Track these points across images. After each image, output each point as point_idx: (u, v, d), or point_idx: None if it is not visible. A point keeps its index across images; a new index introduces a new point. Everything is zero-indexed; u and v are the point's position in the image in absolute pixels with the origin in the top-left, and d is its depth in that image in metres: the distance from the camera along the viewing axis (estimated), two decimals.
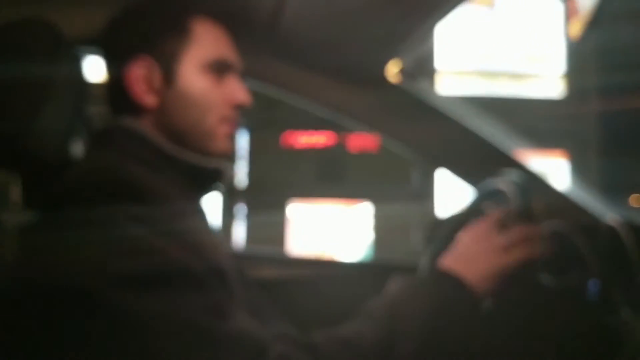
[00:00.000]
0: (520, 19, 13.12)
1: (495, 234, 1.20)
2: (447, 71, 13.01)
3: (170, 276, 0.98)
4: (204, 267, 1.01)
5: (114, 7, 1.23)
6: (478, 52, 13.08)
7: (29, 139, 1.12)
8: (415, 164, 12.37)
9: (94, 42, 1.25)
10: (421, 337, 1.08)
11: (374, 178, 12.36)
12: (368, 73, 1.64)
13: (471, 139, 1.69)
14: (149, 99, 1.19)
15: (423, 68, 12.05)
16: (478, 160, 1.69)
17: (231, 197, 12.40)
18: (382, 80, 1.65)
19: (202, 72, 1.21)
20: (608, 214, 1.57)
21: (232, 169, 1.28)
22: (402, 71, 1.64)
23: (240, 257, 1.70)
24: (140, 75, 1.18)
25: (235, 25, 1.27)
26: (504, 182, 1.30)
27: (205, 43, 1.22)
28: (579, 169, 12.15)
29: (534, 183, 1.68)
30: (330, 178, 13.12)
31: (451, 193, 12.23)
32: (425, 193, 12.79)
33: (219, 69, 1.22)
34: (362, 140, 13.00)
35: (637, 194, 10.53)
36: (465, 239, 1.23)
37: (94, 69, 1.26)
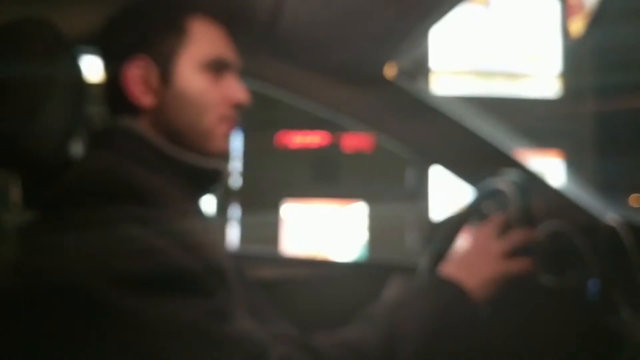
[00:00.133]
0: (516, 18, 13.12)
1: (496, 240, 1.21)
2: (442, 71, 13.01)
3: (169, 277, 0.98)
4: (204, 268, 1.01)
5: (113, 7, 1.23)
6: (473, 51, 13.08)
7: (28, 139, 1.11)
8: (409, 163, 12.40)
9: (93, 42, 1.25)
10: (421, 342, 1.09)
11: (368, 178, 12.37)
12: (367, 73, 1.64)
13: (471, 138, 1.69)
14: (146, 99, 1.19)
15: (419, 68, 12.05)
16: (478, 160, 1.69)
17: (225, 197, 12.39)
18: (382, 79, 1.65)
19: (200, 71, 1.20)
20: (608, 214, 1.57)
21: (229, 168, 1.28)
22: (401, 71, 1.64)
23: (237, 257, 1.70)
24: (138, 75, 1.18)
25: (234, 24, 1.27)
26: (504, 182, 1.30)
27: (203, 42, 1.21)
28: (577, 169, 12.17)
29: (534, 183, 1.68)
30: (325, 178, 13.12)
31: (445, 193, 12.26)
32: (420, 193, 12.80)
33: (216, 67, 1.22)
34: (356, 140, 13.01)
35: (637, 194, 10.55)
36: (465, 245, 1.24)
37: (94, 68, 1.26)
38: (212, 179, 1.24)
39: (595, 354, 1.37)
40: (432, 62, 12.84)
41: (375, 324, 1.10)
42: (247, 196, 12.62)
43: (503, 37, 13.10)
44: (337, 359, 1.04)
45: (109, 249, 0.97)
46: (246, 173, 12.99)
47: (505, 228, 1.22)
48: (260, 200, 12.21)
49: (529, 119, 11.14)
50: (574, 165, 12.39)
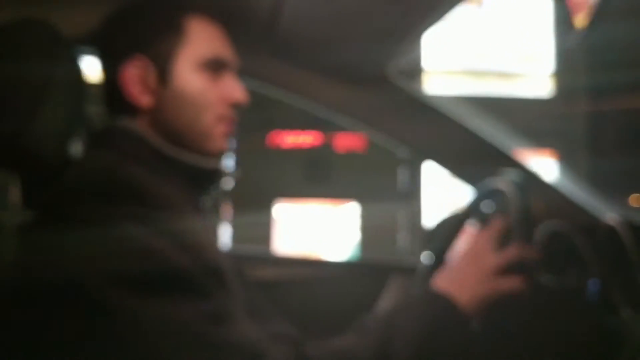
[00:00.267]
0: (509, 17, 13.13)
1: (491, 253, 1.20)
2: (435, 71, 13.01)
3: (167, 278, 0.98)
4: (202, 269, 1.01)
5: (112, 7, 1.23)
6: (466, 51, 13.09)
7: (27, 139, 1.11)
8: (402, 163, 12.40)
9: (92, 42, 1.24)
10: (413, 354, 1.09)
11: (360, 178, 12.36)
12: (367, 72, 1.64)
13: (471, 138, 1.69)
14: (144, 99, 1.18)
15: (414, 68, 12.05)
16: (478, 160, 1.69)
17: (217, 197, 12.37)
18: (382, 79, 1.65)
19: (198, 70, 1.20)
20: (607, 214, 1.57)
21: (229, 169, 1.28)
22: (401, 71, 1.64)
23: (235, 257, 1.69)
24: (136, 75, 1.18)
25: (232, 23, 1.27)
26: (504, 181, 1.30)
27: (201, 41, 1.21)
28: (570, 169, 12.20)
29: (534, 183, 1.68)
30: (317, 178, 13.10)
31: (438, 193, 12.27)
32: (412, 193, 12.81)
33: (214, 67, 1.22)
34: (349, 140, 13.00)
35: (637, 194, 10.58)
36: (461, 253, 1.24)
37: (93, 69, 1.25)
38: (211, 179, 1.24)
39: (595, 354, 1.38)
40: (424, 62, 12.84)
41: (367, 336, 1.11)
42: (239, 196, 12.60)
43: (496, 37, 13.11)
44: None
45: (107, 249, 0.97)
46: (238, 173, 12.95)
47: (504, 236, 1.21)
48: (253, 201, 12.19)
49: (522, 119, 11.16)
50: (567, 165, 12.41)
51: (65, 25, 1.20)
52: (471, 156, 1.71)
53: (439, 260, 1.45)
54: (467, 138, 1.69)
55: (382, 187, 12.13)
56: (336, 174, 13.07)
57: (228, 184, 1.24)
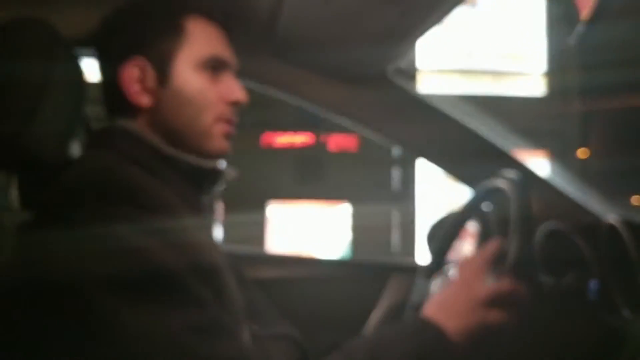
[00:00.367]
0: (503, 17, 13.16)
1: (481, 282, 1.16)
2: (429, 70, 13.03)
3: (162, 281, 0.97)
4: (199, 274, 1.01)
5: (112, 7, 1.22)
6: (460, 50, 13.11)
7: (26, 139, 1.11)
8: (395, 163, 12.42)
9: (91, 42, 1.24)
10: None
11: (353, 178, 12.37)
12: (367, 72, 1.64)
13: (471, 138, 1.69)
14: (143, 99, 1.18)
15: (410, 67, 12.06)
16: (477, 160, 1.69)
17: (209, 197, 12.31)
18: (382, 79, 1.65)
19: (197, 70, 1.20)
20: (608, 213, 1.57)
21: (231, 169, 1.27)
22: (401, 70, 1.64)
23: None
24: (134, 76, 1.18)
25: (231, 23, 1.27)
26: (503, 181, 1.30)
27: (199, 41, 1.21)
28: (563, 168, 12.23)
29: (534, 182, 1.68)
30: (310, 178, 13.10)
31: (432, 193, 12.29)
32: (405, 193, 12.82)
33: (213, 66, 1.21)
34: (341, 140, 13.01)
35: (637, 195, 10.61)
36: (451, 283, 1.22)
37: (92, 69, 1.25)
38: (211, 179, 1.24)
39: (595, 354, 1.38)
40: (418, 61, 12.85)
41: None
42: (231, 196, 12.58)
43: (490, 36, 13.14)
44: None
45: (105, 250, 0.96)
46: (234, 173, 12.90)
47: (497, 261, 1.17)
48: (245, 201, 12.18)
49: (515, 118, 11.17)
50: (561, 164, 12.44)
51: (65, 25, 1.20)
52: (470, 156, 1.71)
53: (439, 260, 1.45)
54: (467, 138, 1.69)
55: (375, 187, 12.14)
56: (329, 173, 13.07)
57: (222, 184, 1.24)
